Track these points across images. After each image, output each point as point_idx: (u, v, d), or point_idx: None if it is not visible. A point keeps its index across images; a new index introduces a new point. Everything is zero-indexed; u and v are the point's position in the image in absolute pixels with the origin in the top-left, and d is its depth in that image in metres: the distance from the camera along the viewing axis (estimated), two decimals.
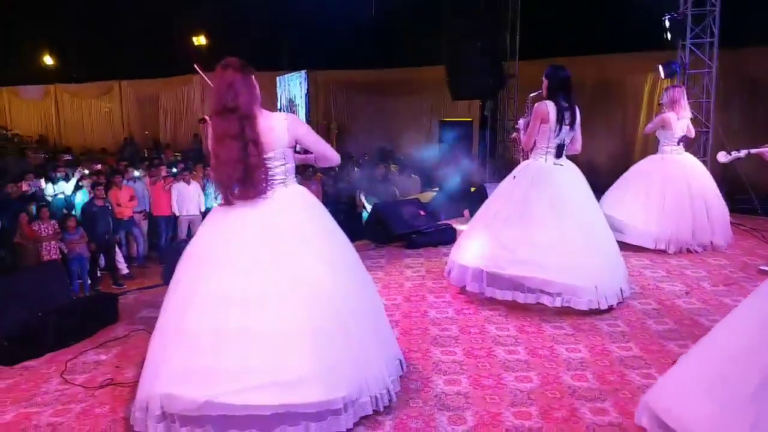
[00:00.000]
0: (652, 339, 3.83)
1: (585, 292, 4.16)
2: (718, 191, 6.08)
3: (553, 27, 10.80)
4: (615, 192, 6.13)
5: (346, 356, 2.70)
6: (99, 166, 11.20)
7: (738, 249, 5.91)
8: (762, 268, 5.21)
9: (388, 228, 6.44)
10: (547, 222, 4.30)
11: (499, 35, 9.79)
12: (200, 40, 17.55)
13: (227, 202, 2.84)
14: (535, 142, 4.52)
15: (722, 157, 2.71)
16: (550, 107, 4.38)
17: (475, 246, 4.52)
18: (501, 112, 10.41)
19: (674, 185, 5.87)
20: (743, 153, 2.64)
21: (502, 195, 4.63)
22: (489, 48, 9.30)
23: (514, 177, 4.61)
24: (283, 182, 2.89)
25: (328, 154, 3.05)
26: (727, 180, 7.97)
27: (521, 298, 4.28)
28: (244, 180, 2.76)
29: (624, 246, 5.83)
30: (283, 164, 2.89)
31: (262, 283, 2.66)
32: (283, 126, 2.86)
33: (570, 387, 3.22)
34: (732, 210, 7.13)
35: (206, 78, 3.11)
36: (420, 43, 12.20)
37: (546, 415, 2.94)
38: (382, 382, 2.87)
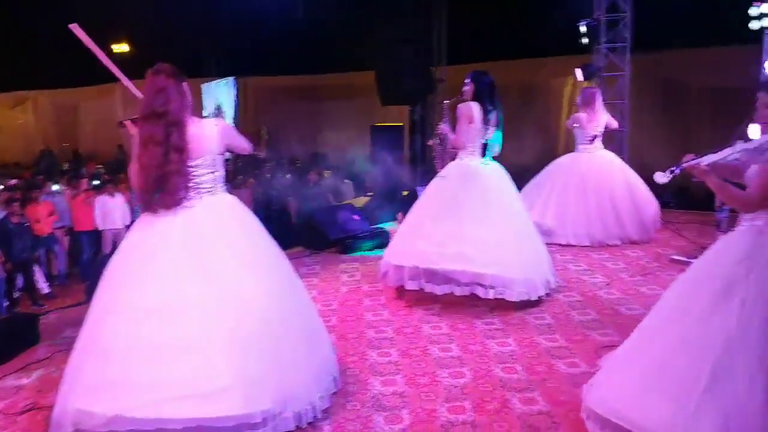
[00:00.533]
0: (576, 329, 4.03)
1: (516, 284, 4.34)
2: (639, 188, 6.35)
3: (480, 33, 11.12)
4: (529, 191, 6.40)
5: (271, 368, 2.63)
6: (14, 181, 10.60)
7: (653, 241, 6.27)
8: (674, 257, 5.56)
9: (323, 233, 6.44)
10: (476, 218, 4.46)
11: (427, 40, 9.98)
12: (121, 48, 16.95)
13: (148, 209, 2.79)
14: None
15: (659, 177, 2.77)
16: (474, 108, 4.56)
17: (408, 245, 4.60)
18: (430, 117, 10.62)
19: (581, 182, 6.23)
20: (678, 169, 2.71)
21: (431, 194, 4.75)
22: (418, 53, 9.47)
23: (443, 177, 4.74)
24: (210, 191, 2.86)
25: (247, 145, 3.12)
26: (644, 177, 8.44)
27: (457, 291, 4.41)
28: (163, 187, 2.71)
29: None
30: (212, 172, 2.87)
31: (181, 293, 2.61)
32: (214, 133, 2.84)
33: (501, 379, 3.34)
34: None
35: (87, 41, 3.06)
36: (350, 48, 12.26)
37: (479, 408, 3.04)
38: (307, 399, 2.78)
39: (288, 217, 9.03)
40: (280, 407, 2.62)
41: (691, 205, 7.99)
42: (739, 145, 2.57)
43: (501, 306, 4.35)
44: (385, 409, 3.06)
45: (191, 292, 2.62)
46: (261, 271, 2.84)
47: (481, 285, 4.33)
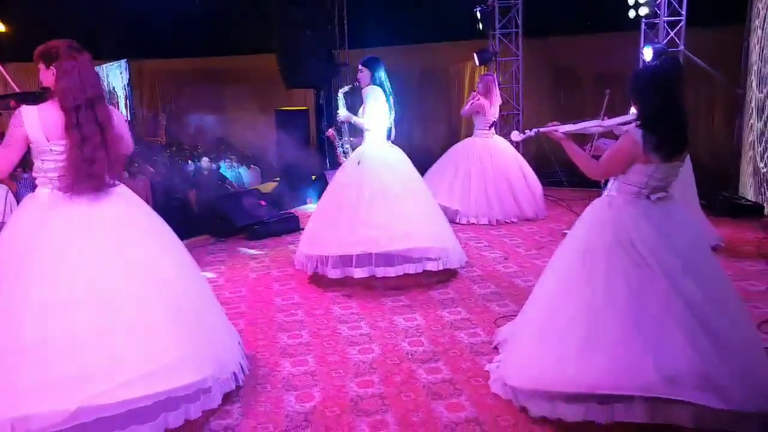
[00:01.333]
0: (477, 302, 4.26)
1: (452, 253, 4.69)
2: (527, 169, 6.82)
3: (380, 17, 11.23)
4: (429, 173, 6.63)
5: (203, 338, 2.78)
6: None
7: (546, 218, 6.70)
8: (565, 231, 5.95)
9: (229, 221, 6.34)
10: (406, 197, 4.63)
11: (328, 24, 9.95)
12: None
13: (76, 192, 2.62)
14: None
15: (515, 135, 3.17)
16: (380, 93, 4.66)
17: (347, 233, 4.51)
18: (335, 101, 10.65)
19: (480, 166, 6.56)
20: (533, 132, 3.10)
21: (351, 181, 4.68)
22: (319, 36, 9.43)
23: (359, 162, 4.72)
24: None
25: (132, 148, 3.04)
26: (536, 157, 8.94)
27: (411, 269, 4.56)
28: (99, 171, 2.64)
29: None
30: None
31: (111, 279, 2.59)
32: (122, 119, 2.83)
33: (407, 352, 3.50)
34: (541, 183, 8.07)
35: None
36: (250, 30, 11.98)
37: (387, 381, 3.17)
38: (236, 361, 3.03)
39: (190, 205, 8.78)
40: (219, 372, 2.82)
41: (581, 183, 8.57)
42: (596, 120, 3.02)
43: (407, 285, 4.51)
44: (296, 389, 3.12)
45: (118, 276, 2.61)
46: (174, 255, 2.89)
47: (432, 259, 4.54)
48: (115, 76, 15.53)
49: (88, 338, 2.47)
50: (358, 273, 4.52)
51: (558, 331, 2.73)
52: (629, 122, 2.86)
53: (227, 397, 2.97)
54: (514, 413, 2.81)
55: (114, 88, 15.65)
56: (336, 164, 5.26)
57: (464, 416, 2.83)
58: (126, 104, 15.19)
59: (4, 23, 15.48)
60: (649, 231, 2.66)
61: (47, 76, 2.64)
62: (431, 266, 4.57)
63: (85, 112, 2.59)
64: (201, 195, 8.47)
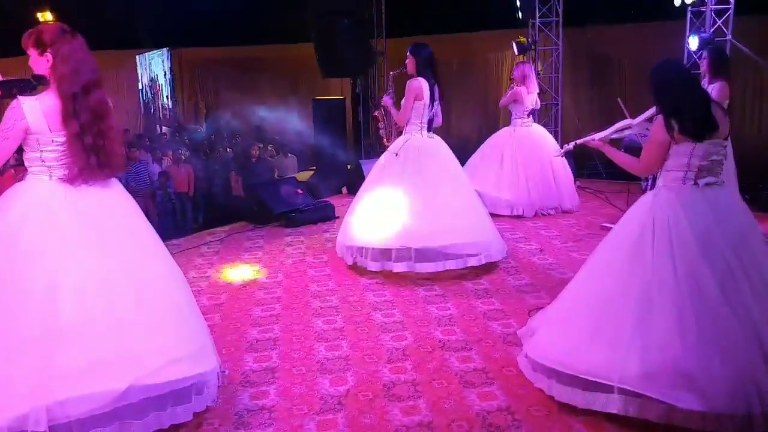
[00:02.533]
0: (511, 293, 4.26)
1: (494, 247, 4.64)
2: (564, 159, 6.71)
3: (418, 6, 11.18)
4: (472, 163, 6.59)
5: (201, 332, 2.80)
6: None
7: (584, 209, 6.61)
8: (604, 225, 5.89)
9: (267, 208, 6.46)
10: (448, 190, 4.60)
11: (365, 12, 9.95)
12: (46, 16, 16.06)
13: (83, 182, 2.54)
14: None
15: (554, 153, 3.26)
16: (423, 84, 4.61)
17: (387, 227, 4.50)
18: (372, 90, 10.65)
19: (524, 155, 6.44)
20: (571, 145, 3.14)
21: (391, 174, 4.67)
22: (356, 25, 9.44)
23: (397, 154, 4.69)
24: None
25: None
26: (575, 149, 8.81)
27: (452, 264, 4.47)
28: (105, 161, 2.57)
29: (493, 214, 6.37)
30: None
31: (133, 266, 2.59)
32: (111, 104, 2.72)
33: (440, 341, 3.52)
34: (580, 175, 7.97)
35: None
36: (288, 20, 12.07)
37: (419, 368, 3.21)
38: (217, 358, 2.94)
39: (230, 192, 8.96)
40: (215, 366, 2.82)
41: (620, 175, 8.42)
42: (626, 121, 3.03)
43: (440, 275, 4.51)
44: (330, 372, 3.18)
45: (135, 264, 2.61)
46: (165, 253, 2.84)
47: (473, 255, 4.49)
48: (157, 64, 15.87)
49: (129, 320, 2.49)
50: (398, 267, 4.47)
51: (579, 316, 2.82)
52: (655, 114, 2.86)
53: (262, 379, 3.06)
54: (546, 404, 2.82)
55: (156, 76, 16.00)
56: (372, 153, 5.28)
57: (496, 405, 2.85)
58: (168, 92, 15.51)
59: (52, 12, 15.95)
60: (683, 221, 2.65)
61: (41, 63, 2.51)
62: (473, 262, 4.51)
63: (81, 100, 2.49)
64: (245, 182, 8.61)
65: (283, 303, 4.19)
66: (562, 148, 3.15)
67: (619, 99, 3.36)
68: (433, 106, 4.70)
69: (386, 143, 5.11)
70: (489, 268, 4.74)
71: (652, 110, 2.94)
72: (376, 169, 4.88)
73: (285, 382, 3.09)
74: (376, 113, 5.47)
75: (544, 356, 2.88)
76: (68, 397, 2.32)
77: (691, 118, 2.65)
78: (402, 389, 3.01)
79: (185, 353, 2.58)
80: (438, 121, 4.84)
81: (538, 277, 4.57)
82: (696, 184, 2.70)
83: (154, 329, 2.54)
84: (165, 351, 2.53)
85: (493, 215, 5.96)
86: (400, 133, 4.92)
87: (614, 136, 3.11)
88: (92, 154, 2.54)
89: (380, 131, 5.37)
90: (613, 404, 2.60)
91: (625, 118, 3.17)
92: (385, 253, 4.53)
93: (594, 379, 2.63)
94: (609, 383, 2.59)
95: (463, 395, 2.94)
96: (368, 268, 4.60)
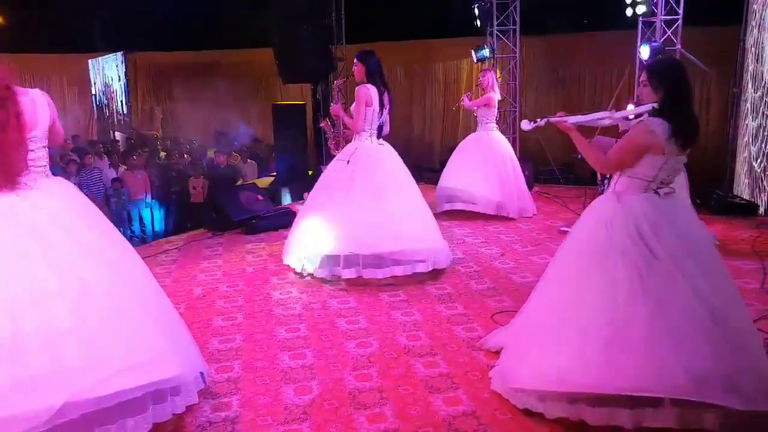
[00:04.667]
0: (474, 298, 4.29)
1: (441, 253, 4.69)
2: (518, 167, 6.81)
3: (379, 12, 11.24)
4: (449, 167, 6.73)
5: (174, 333, 2.75)
6: None
7: (543, 214, 6.73)
8: (562, 228, 6.01)
9: (226, 215, 6.34)
10: (396, 197, 4.62)
11: (325, 18, 9.94)
12: None
13: None
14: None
15: (525, 124, 3.11)
16: (372, 91, 4.63)
17: (336, 233, 4.51)
18: (332, 96, 10.64)
19: (495, 157, 6.56)
20: (543, 121, 3.06)
21: (342, 180, 4.66)
22: (317, 31, 9.42)
23: (348, 161, 4.68)
24: (44, 169, 2.62)
25: (62, 132, 2.86)
26: (533, 154, 8.98)
27: (400, 271, 4.52)
28: (2, 164, 2.43)
29: (451, 216, 6.44)
30: (44, 147, 2.64)
31: (80, 271, 2.47)
32: (44, 102, 2.61)
33: (405, 347, 3.52)
34: (537, 181, 8.13)
35: None
36: (248, 24, 11.95)
37: (384, 374, 3.20)
38: (201, 360, 2.98)
39: (188, 199, 8.78)
40: (194, 368, 2.80)
41: (576, 180, 8.63)
42: (605, 112, 2.97)
43: (404, 280, 4.53)
44: (295, 382, 3.14)
45: (92, 268, 2.50)
46: (128, 250, 2.81)
47: (420, 261, 4.52)
48: (111, 68, 15.46)
49: (66, 331, 2.35)
50: (346, 273, 4.51)
51: (580, 331, 2.64)
52: (640, 114, 2.81)
53: (225, 390, 3.00)
54: (510, 407, 2.84)
55: (111, 81, 15.59)
56: (331, 158, 5.25)
57: (462, 410, 2.86)
58: (123, 97, 15.13)
59: (1, 15, 15.36)
60: (662, 226, 2.66)
61: None
62: (421, 268, 4.55)
63: None
64: (213, 188, 8.45)
65: (245, 312, 4.12)
66: (534, 121, 3.07)
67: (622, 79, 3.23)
68: (382, 112, 4.73)
69: (334, 152, 5.12)
70: (451, 272, 4.78)
71: (639, 109, 2.85)
72: (326, 176, 4.89)
73: (248, 393, 3.04)
74: (322, 124, 5.47)
75: (558, 382, 2.64)
76: (9, 415, 2.19)
77: (688, 124, 2.67)
78: (368, 397, 2.99)
79: (135, 362, 2.44)
80: (386, 129, 4.85)
81: (500, 281, 4.62)
82: (656, 193, 2.74)
83: (94, 340, 2.38)
84: (108, 362, 2.38)
85: (458, 219, 6.10)
86: (348, 141, 4.94)
87: (588, 124, 3.01)
88: None
89: (329, 141, 5.37)
90: (666, 416, 2.51)
91: (609, 106, 3.14)
92: (333, 259, 4.56)
93: (639, 394, 2.51)
94: (649, 395, 2.50)
95: (428, 401, 2.94)
96: (315, 275, 4.62)
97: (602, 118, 2.99)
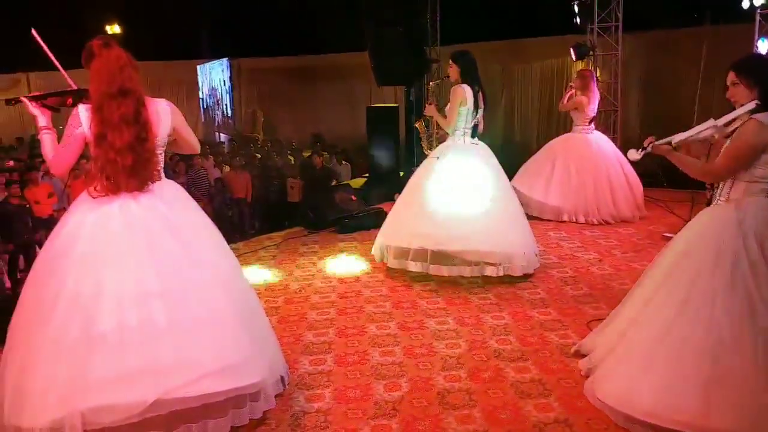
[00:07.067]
0: (569, 303, 4.16)
1: (518, 259, 4.53)
2: (628, 167, 6.49)
3: (473, 12, 11.13)
4: (525, 169, 6.59)
5: (260, 339, 2.80)
6: (11, 163, 10.63)
7: (645, 219, 6.41)
8: (665, 234, 5.70)
9: (321, 214, 6.55)
10: (476, 197, 4.58)
11: (419, 20, 9.98)
12: (114, 29, 16.85)
13: (112, 192, 2.58)
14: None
15: (633, 154, 2.90)
16: (467, 91, 4.63)
17: (410, 227, 4.62)
18: (426, 98, 10.67)
19: (579, 162, 6.34)
20: (650, 147, 2.86)
21: (427, 176, 4.78)
22: (410, 33, 9.48)
23: (437, 158, 4.78)
24: (159, 173, 2.72)
25: (196, 143, 2.98)
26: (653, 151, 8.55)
27: (467, 271, 4.51)
28: (136, 168, 2.57)
29: (545, 219, 6.28)
30: (163, 153, 2.78)
31: (179, 274, 2.58)
32: (167, 112, 2.72)
33: (495, 350, 3.48)
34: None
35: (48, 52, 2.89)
36: (344, 28, 12.25)
37: (474, 377, 3.18)
38: (283, 364, 3.05)
39: (285, 198, 9.14)
40: (275, 372, 2.88)
41: (682, 183, 8.11)
42: (710, 122, 2.72)
43: (493, 282, 4.49)
44: (385, 378, 3.19)
45: (183, 272, 2.59)
46: (228, 257, 2.89)
47: (491, 264, 4.46)
48: (217, 73, 16.37)
49: (163, 330, 2.47)
50: (412, 267, 4.59)
51: (677, 361, 2.51)
52: (741, 115, 2.63)
53: (318, 382, 3.11)
54: (605, 418, 2.73)
55: (216, 86, 16.52)
56: (424, 158, 5.29)
57: (554, 417, 2.79)
58: (227, 101, 15.97)
59: (119, 25, 16.68)
60: None
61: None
62: (489, 271, 4.48)
63: (107, 110, 2.52)
64: (309, 189, 8.76)
65: (337, 307, 4.24)
66: (639, 149, 2.88)
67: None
68: (477, 112, 4.70)
69: (427, 152, 5.14)
70: (545, 276, 4.66)
71: (739, 111, 2.63)
72: (416, 173, 4.98)
73: (340, 386, 3.12)
74: (416, 124, 5.52)
75: (647, 413, 2.53)
76: (101, 405, 2.34)
77: None
78: (456, 397, 2.98)
79: (223, 366, 2.52)
80: (480, 128, 4.83)
81: (597, 288, 4.45)
82: None
83: (187, 342, 2.49)
84: (198, 364, 2.47)
85: (539, 219, 5.97)
86: (441, 142, 4.97)
87: (691, 138, 2.77)
88: (117, 163, 2.54)
89: (422, 141, 5.40)
90: None
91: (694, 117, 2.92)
92: (403, 252, 4.65)
93: None
94: None
95: (518, 406, 2.89)
96: (389, 265, 4.78)
97: (705, 129, 2.73)
